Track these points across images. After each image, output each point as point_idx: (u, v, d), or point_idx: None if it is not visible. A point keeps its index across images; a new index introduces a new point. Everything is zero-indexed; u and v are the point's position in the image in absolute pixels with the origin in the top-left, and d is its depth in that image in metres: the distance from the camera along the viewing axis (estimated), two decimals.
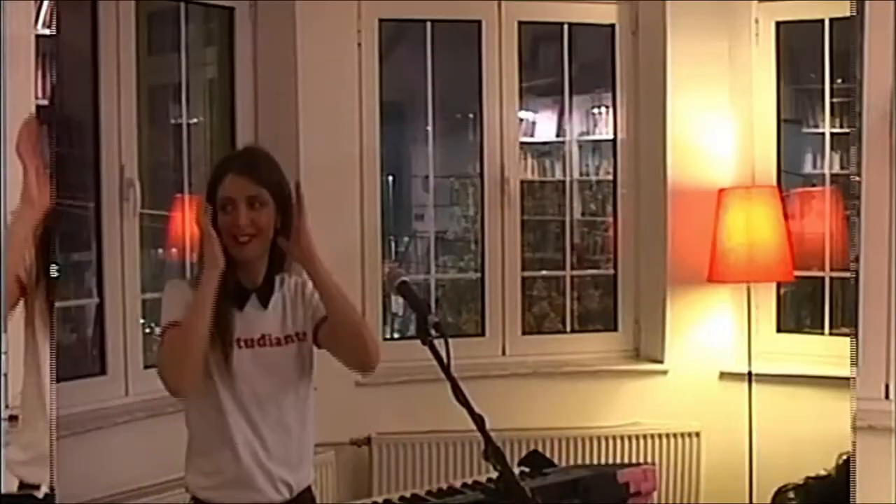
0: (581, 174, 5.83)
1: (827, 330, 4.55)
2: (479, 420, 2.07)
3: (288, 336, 2.46)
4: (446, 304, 5.68)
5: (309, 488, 2.55)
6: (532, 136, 6.13)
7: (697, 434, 4.48)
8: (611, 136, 4.86)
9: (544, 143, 6.18)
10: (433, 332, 2.25)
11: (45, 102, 3.18)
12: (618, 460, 4.37)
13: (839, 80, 4.65)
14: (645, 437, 4.46)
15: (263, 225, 2.40)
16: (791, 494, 3.63)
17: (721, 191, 4.43)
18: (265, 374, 2.43)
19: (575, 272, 4.97)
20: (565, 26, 4.66)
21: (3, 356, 2.69)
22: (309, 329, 2.48)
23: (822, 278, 4.59)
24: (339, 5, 4.32)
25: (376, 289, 4.38)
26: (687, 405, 4.52)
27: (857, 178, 3.31)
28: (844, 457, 3.54)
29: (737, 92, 4.59)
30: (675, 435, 4.47)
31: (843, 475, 3.54)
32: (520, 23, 4.57)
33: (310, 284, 2.45)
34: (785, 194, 4.59)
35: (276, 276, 2.48)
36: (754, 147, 4.60)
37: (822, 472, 3.61)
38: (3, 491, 2.99)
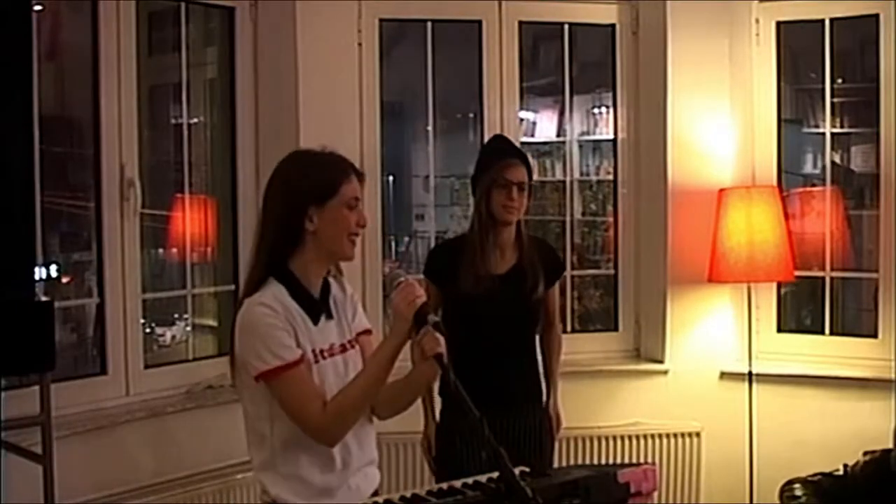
0: (581, 174, 5.83)
1: (827, 330, 4.55)
2: (479, 420, 2.07)
3: (349, 342, 2.47)
4: None
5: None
6: (532, 136, 6.14)
7: (697, 434, 4.48)
8: (611, 136, 4.85)
9: (544, 143, 6.19)
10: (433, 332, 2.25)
11: None
12: (618, 460, 4.37)
13: (839, 80, 4.66)
14: (645, 437, 4.46)
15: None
16: (797, 485, 3.62)
17: (721, 191, 4.42)
18: (338, 383, 2.40)
19: (575, 272, 4.96)
20: (565, 26, 4.65)
21: None
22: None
23: (822, 278, 4.59)
24: (339, 5, 4.31)
25: (376, 289, 4.37)
26: (687, 405, 4.52)
27: None
28: (866, 457, 3.52)
29: (737, 92, 4.59)
30: (675, 435, 4.47)
31: (860, 475, 3.52)
32: (520, 23, 4.57)
33: (349, 289, 2.50)
34: (785, 194, 4.59)
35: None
36: (754, 147, 4.60)
37: (838, 471, 3.61)
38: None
